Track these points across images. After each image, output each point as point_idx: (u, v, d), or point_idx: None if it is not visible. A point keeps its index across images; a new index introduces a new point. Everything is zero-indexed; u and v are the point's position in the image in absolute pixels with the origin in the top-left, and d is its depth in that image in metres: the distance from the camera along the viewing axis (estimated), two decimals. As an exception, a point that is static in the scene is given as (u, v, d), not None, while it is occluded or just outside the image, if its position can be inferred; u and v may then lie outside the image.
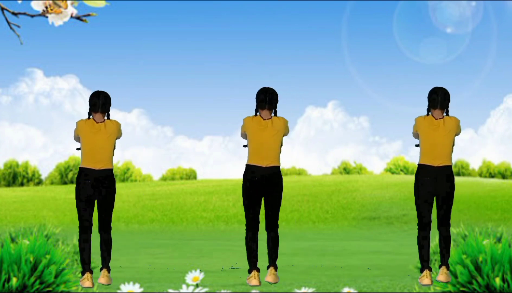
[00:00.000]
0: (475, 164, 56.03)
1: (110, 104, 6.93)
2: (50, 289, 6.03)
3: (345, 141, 59.48)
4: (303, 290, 4.62)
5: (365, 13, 56.14)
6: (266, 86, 7.12)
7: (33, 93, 54.33)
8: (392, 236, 21.95)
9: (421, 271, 6.71)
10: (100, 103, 6.86)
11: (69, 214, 27.34)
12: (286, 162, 54.14)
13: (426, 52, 43.56)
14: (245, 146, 7.03)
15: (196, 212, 28.02)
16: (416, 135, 6.90)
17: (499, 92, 59.80)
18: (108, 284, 6.85)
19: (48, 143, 57.93)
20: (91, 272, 6.81)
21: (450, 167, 6.75)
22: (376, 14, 55.93)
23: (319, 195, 30.19)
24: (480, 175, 54.42)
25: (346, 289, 4.80)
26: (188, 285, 4.79)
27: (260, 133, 6.87)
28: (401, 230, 23.85)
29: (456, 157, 54.72)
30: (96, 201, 6.90)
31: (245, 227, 7.01)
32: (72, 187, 37.80)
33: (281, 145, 6.99)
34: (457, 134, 6.84)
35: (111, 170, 6.90)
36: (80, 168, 6.90)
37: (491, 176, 53.92)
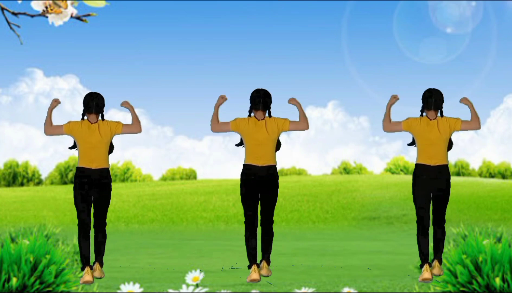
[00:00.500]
0: (475, 164, 56.04)
1: (103, 105, 7.09)
2: (50, 289, 6.03)
3: (345, 141, 59.49)
4: (303, 290, 4.62)
5: (365, 13, 56.13)
6: (261, 87, 7.21)
7: (33, 93, 54.35)
8: (392, 236, 21.95)
9: (421, 266, 6.99)
10: (93, 104, 7.01)
11: (69, 214, 27.34)
12: (286, 162, 54.14)
13: (426, 52, 43.57)
14: (237, 145, 7.22)
15: (196, 212, 28.02)
16: (399, 125, 7.09)
17: (499, 92, 59.79)
18: (100, 277, 7.07)
19: (48, 143, 57.93)
20: (91, 268, 6.98)
21: (446, 166, 6.97)
22: (376, 14, 55.92)
23: (319, 195, 30.19)
24: (480, 175, 54.42)
25: (346, 289, 4.81)
26: (188, 285, 4.79)
27: (255, 134, 7.06)
28: (401, 230, 23.85)
29: (456, 157, 54.72)
30: (92, 199, 7.08)
31: (244, 226, 7.22)
32: (72, 187, 37.80)
33: (280, 144, 7.17)
34: (461, 123, 6.95)
35: (107, 169, 7.08)
36: (77, 167, 7.10)
37: (491, 176, 53.92)
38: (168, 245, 16.78)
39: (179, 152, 57.79)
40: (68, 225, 23.01)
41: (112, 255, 12.22)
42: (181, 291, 4.62)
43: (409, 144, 7.16)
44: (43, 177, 53.91)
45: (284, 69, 57.93)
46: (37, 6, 4.16)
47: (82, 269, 7.00)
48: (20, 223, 23.13)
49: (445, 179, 6.96)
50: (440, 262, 7.01)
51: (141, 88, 59.04)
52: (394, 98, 7.25)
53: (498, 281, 5.84)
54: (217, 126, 7.16)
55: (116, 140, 7.30)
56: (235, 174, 50.62)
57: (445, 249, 7.81)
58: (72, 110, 54.08)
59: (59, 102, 7.21)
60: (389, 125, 7.12)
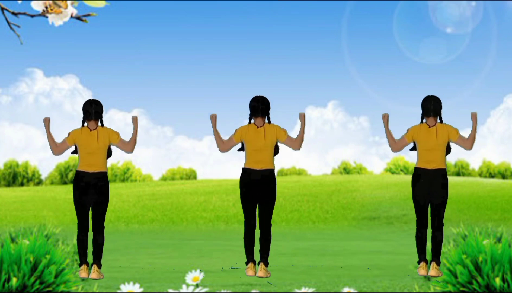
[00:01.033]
0: (475, 164, 56.02)
1: (102, 111, 7.41)
2: (50, 289, 6.03)
3: (345, 141, 59.46)
4: (303, 290, 4.62)
5: (365, 13, 56.11)
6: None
7: (33, 93, 54.34)
8: (392, 236, 21.95)
9: (419, 262, 7.31)
10: (93, 111, 7.33)
11: (69, 214, 27.34)
12: (286, 162, 54.12)
13: (426, 52, 43.56)
14: (239, 150, 7.53)
15: (196, 212, 28.02)
16: (404, 141, 7.42)
17: (499, 92, 59.76)
18: (99, 279, 7.28)
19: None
20: (87, 265, 7.29)
21: (444, 170, 7.31)
22: (376, 14, 55.90)
23: (319, 195, 30.19)
24: (480, 175, 54.41)
25: (346, 289, 4.81)
26: (188, 285, 4.79)
27: (255, 140, 7.38)
28: (401, 230, 23.85)
29: (456, 157, 54.71)
30: (91, 201, 7.36)
31: (244, 225, 7.44)
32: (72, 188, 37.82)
33: (278, 149, 7.47)
34: (458, 136, 7.21)
35: (105, 173, 7.39)
36: (76, 171, 7.42)
37: (491, 176, 53.91)
38: (168, 245, 16.78)
39: (179, 152, 57.79)
40: (68, 225, 23.02)
41: (112, 255, 12.23)
42: (181, 291, 4.62)
43: (411, 149, 7.47)
44: (43, 177, 53.91)
45: (284, 69, 57.92)
46: (37, 6, 4.16)
47: (80, 266, 7.31)
48: (20, 223, 23.13)
49: (442, 182, 7.28)
50: (438, 264, 7.24)
51: (141, 88, 59.03)
52: (386, 118, 7.55)
53: (498, 281, 5.84)
54: (223, 145, 7.58)
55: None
56: (235, 174, 50.62)
57: (445, 249, 7.88)
58: (72, 110, 54.10)
59: (49, 119, 7.49)
60: (395, 145, 7.55)
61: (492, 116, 55.05)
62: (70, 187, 38.61)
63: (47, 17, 4.16)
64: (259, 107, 7.39)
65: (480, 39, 49.56)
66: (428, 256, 7.47)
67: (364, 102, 60.84)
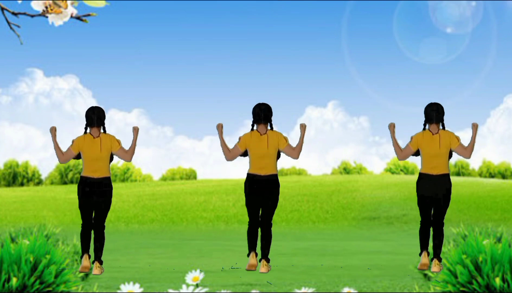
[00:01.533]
0: (475, 164, 56.05)
1: (104, 118, 7.68)
2: (50, 289, 6.03)
3: (345, 141, 59.47)
4: (303, 290, 4.62)
5: (365, 13, 56.11)
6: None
7: (33, 93, 54.34)
8: (392, 236, 21.95)
9: (420, 254, 7.72)
10: (95, 118, 7.60)
11: (69, 214, 27.34)
12: (286, 162, 54.17)
13: (426, 52, 43.56)
14: (242, 155, 7.82)
15: (196, 212, 28.02)
16: (409, 149, 7.71)
17: (499, 92, 59.75)
18: (100, 274, 7.62)
19: (48, 143, 57.92)
20: (89, 256, 7.63)
21: (447, 175, 7.62)
22: (376, 14, 55.91)
23: (319, 195, 30.20)
24: (480, 175, 54.42)
25: (346, 289, 4.81)
26: (188, 285, 4.79)
27: (258, 147, 7.65)
28: (401, 230, 23.85)
29: (456, 157, 54.62)
30: (94, 204, 7.69)
31: (245, 226, 7.62)
32: (72, 187, 37.84)
33: (279, 156, 7.76)
34: (458, 144, 7.44)
35: (108, 178, 7.71)
36: (81, 176, 7.71)
37: (491, 176, 53.93)
38: (168, 245, 16.78)
39: (179, 152, 57.81)
40: (68, 225, 23.01)
41: (112, 255, 12.23)
42: (181, 291, 4.63)
43: (415, 155, 7.78)
44: (43, 177, 53.93)
45: (284, 69, 57.93)
46: (37, 6, 4.16)
47: (82, 256, 7.63)
48: (20, 223, 23.13)
49: (446, 187, 7.59)
50: (440, 260, 7.57)
51: (141, 88, 59.04)
52: (392, 127, 7.78)
53: (498, 281, 5.84)
54: (230, 155, 7.86)
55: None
56: (235, 174, 50.67)
57: (445, 249, 7.99)
58: (72, 110, 54.10)
59: (56, 128, 7.82)
60: (401, 154, 7.88)
61: (492, 116, 55.07)
62: (70, 187, 38.63)
63: (47, 17, 4.17)
64: (262, 114, 7.62)
65: (480, 39, 49.57)
66: (430, 256, 7.56)
67: (364, 102, 60.87)
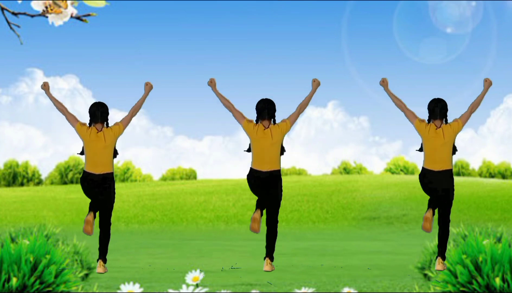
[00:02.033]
0: (475, 164, 56.05)
1: (108, 113, 7.63)
2: (50, 289, 6.03)
3: (345, 141, 59.48)
4: (303, 290, 4.62)
5: (365, 13, 56.11)
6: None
7: (33, 93, 54.36)
8: (392, 236, 21.95)
9: (427, 210, 7.47)
10: (99, 113, 7.53)
11: (69, 214, 27.33)
12: (286, 162, 54.11)
13: (426, 52, 43.55)
14: (246, 150, 7.72)
15: (196, 212, 28.01)
16: (413, 115, 7.57)
17: (499, 92, 59.71)
18: (104, 272, 7.43)
19: (48, 143, 57.94)
20: (95, 215, 7.42)
21: (450, 170, 7.52)
22: (376, 14, 55.90)
23: (319, 195, 30.19)
24: (480, 175, 54.41)
25: (346, 289, 4.81)
26: (188, 285, 4.79)
27: (262, 141, 7.60)
28: (401, 230, 23.85)
29: (456, 157, 54.64)
30: (98, 200, 7.58)
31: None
32: (72, 187, 37.84)
33: (283, 149, 7.70)
34: (460, 121, 7.41)
35: (111, 173, 7.61)
36: (84, 171, 7.61)
37: (491, 176, 53.92)
38: (168, 245, 16.78)
39: (179, 152, 57.79)
40: (68, 225, 23.00)
41: (112, 255, 12.21)
42: (181, 291, 4.62)
43: (418, 150, 7.66)
44: (43, 177, 53.93)
45: (284, 69, 57.92)
46: (37, 6, 4.16)
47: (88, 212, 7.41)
48: (20, 223, 23.12)
49: (448, 182, 7.47)
50: (444, 258, 7.41)
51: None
52: (385, 82, 7.79)
53: (498, 281, 5.83)
54: (227, 103, 7.79)
55: (117, 140, 7.59)
56: (235, 174, 50.66)
57: (445, 251, 7.92)
58: (72, 110, 54.00)
59: (48, 83, 7.65)
60: (399, 103, 7.70)
61: (492, 116, 55.08)
62: (70, 187, 38.63)
63: (47, 17, 4.16)
64: (266, 110, 7.59)
65: (480, 39, 49.57)
66: (433, 255, 7.50)
67: (364, 102, 60.86)
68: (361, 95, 58.94)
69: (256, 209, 7.73)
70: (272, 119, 7.62)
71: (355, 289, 6.38)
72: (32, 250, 6.09)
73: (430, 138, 7.45)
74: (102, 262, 7.47)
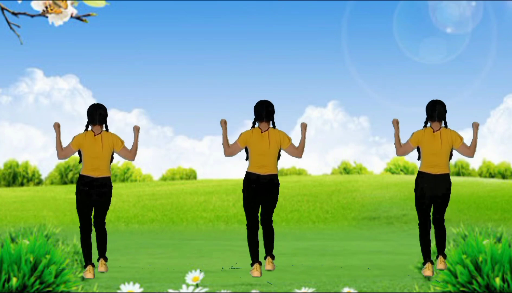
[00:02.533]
0: (475, 164, 56.06)
1: (107, 115, 7.46)
2: (50, 289, 6.03)
3: (345, 141, 59.48)
4: (303, 290, 4.62)
5: (365, 13, 56.13)
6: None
7: (33, 93, 54.34)
8: (392, 236, 21.95)
9: (424, 264, 7.33)
10: (98, 115, 7.38)
11: (69, 214, 27.34)
12: (286, 162, 54.14)
13: (426, 52, 43.57)
14: (246, 159, 7.51)
15: (196, 212, 28.02)
16: (409, 145, 7.48)
17: (499, 92, 59.77)
18: (106, 271, 7.39)
19: (48, 143, 57.93)
20: (93, 266, 7.30)
21: (447, 174, 7.42)
22: (376, 14, 55.92)
23: (319, 195, 30.19)
24: (480, 175, 54.42)
25: (346, 289, 4.81)
26: (188, 285, 4.79)
27: (259, 144, 7.44)
28: (401, 230, 23.85)
29: (456, 157, 54.62)
30: (93, 203, 7.44)
31: (245, 226, 7.48)
32: (72, 187, 37.82)
33: (280, 155, 7.55)
34: (461, 144, 7.28)
35: (108, 178, 7.45)
36: (80, 174, 7.46)
37: (491, 176, 53.93)
38: (168, 245, 16.78)
39: (179, 152, 57.81)
40: (68, 225, 23.01)
41: (112, 255, 12.21)
42: (181, 291, 4.62)
43: (418, 159, 7.48)
44: (43, 177, 53.92)
45: (284, 69, 57.95)
46: (37, 6, 4.16)
47: (85, 267, 7.30)
48: (20, 223, 23.12)
49: (445, 187, 7.38)
50: (445, 257, 7.32)
51: (141, 88, 59.04)
52: (396, 123, 7.65)
53: (498, 281, 5.84)
54: (229, 150, 7.59)
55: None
56: (235, 174, 50.64)
57: (445, 249, 7.89)
58: (72, 110, 54.08)
59: (59, 124, 7.55)
60: (400, 149, 7.65)
61: (492, 116, 55.07)
62: (70, 187, 38.63)
63: (47, 17, 4.17)
64: (264, 112, 7.44)
65: (480, 39, 49.58)
66: (433, 255, 7.48)
67: (364, 102, 60.87)
68: (361, 95, 58.95)
69: (252, 262, 7.35)
70: (271, 121, 7.48)
71: (355, 289, 6.38)
72: (32, 250, 6.09)
73: (427, 142, 7.35)
74: (103, 261, 7.37)
